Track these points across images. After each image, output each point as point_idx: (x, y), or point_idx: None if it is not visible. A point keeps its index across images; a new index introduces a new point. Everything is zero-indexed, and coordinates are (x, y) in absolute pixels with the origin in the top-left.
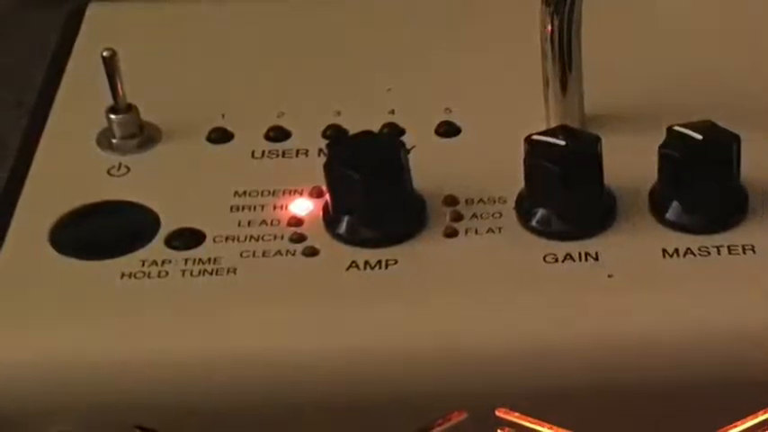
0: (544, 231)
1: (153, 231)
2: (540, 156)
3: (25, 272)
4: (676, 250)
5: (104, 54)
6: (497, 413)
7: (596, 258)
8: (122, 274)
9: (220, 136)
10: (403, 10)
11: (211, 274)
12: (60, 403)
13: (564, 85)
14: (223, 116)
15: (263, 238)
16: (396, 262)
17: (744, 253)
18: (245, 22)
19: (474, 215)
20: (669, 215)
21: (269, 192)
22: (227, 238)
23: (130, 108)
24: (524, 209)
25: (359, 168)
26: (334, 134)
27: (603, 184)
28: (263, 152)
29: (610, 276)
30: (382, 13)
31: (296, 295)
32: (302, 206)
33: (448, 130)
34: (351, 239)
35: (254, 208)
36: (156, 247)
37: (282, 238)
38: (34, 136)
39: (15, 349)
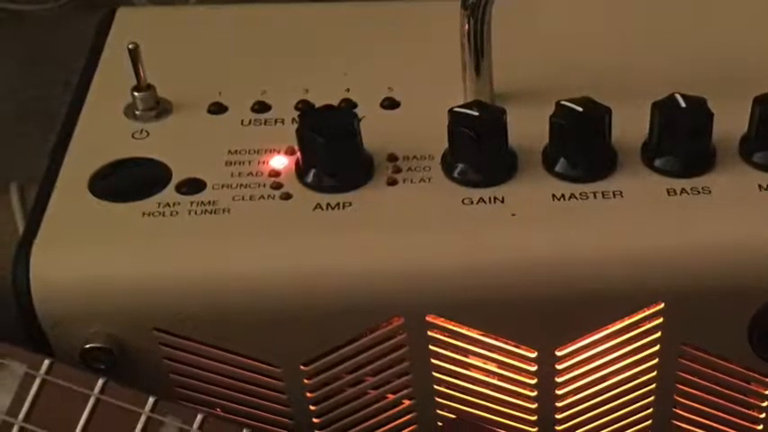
0: (463, 181)
1: (166, 181)
2: (459, 123)
3: (70, 212)
4: (563, 195)
5: (129, 46)
6: (428, 318)
7: (502, 201)
8: (143, 213)
9: (218, 109)
10: (358, 14)
11: (211, 213)
12: (96, 310)
13: (478, 70)
14: (220, 94)
15: (250, 186)
16: (350, 204)
17: (614, 197)
18: (238, 23)
19: (409, 168)
20: (557, 168)
21: (254, 151)
22: (222, 186)
23: (150, 87)
24: (448, 164)
25: (322, 133)
26: (304, 107)
27: (508, 145)
28: (250, 121)
29: (513, 215)
30: (342, 17)
31: (275, 229)
32: (279, 161)
33: (390, 104)
34: (316, 187)
35: (244, 163)
36: (168, 193)
37: (264, 185)
38: (77, 108)
39: (63, 269)
